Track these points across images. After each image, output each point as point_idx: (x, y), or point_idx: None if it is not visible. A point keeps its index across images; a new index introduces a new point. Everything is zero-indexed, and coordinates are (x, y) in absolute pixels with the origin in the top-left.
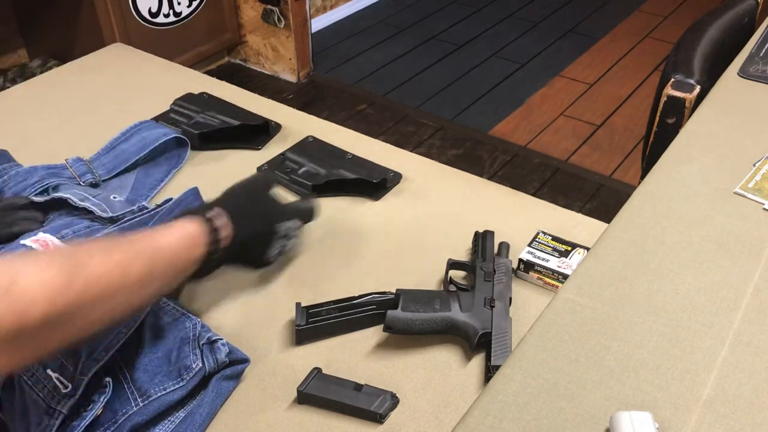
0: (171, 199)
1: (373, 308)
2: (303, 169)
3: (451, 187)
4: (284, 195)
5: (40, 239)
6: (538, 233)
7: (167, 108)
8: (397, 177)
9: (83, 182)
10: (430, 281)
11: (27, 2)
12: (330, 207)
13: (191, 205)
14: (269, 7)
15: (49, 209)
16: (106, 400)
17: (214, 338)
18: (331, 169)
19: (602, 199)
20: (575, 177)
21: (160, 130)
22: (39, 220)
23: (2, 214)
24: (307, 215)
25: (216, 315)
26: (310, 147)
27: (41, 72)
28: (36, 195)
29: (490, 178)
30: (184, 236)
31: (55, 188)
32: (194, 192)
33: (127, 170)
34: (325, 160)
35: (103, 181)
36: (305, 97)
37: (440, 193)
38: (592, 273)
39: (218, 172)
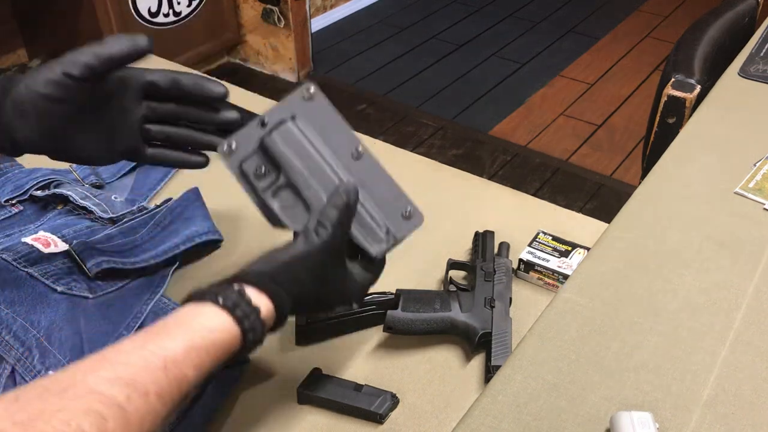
0: (171, 199)
1: (373, 308)
2: (281, 189)
3: (451, 187)
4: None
5: (41, 237)
6: (538, 233)
7: None
8: (417, 219)
9: (86, 183)
10: (430, 281)
11: (27, 2)
12: None
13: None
14: (269, 6)
15: (49, 208)
16: None
17: None
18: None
19: (602, 199)
20: (575, 177)
21: None
22: None
23: None
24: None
25: None
26: (309, 115)
27: None
28: (37, 190)
29: (490, 178)
30: (213, 357)
31: (57, 186)
32: (194, 192)
33: (128, 171)
34: (323, 169)
35: (107, 183)
36: None
37: (440, 193)
38: (592, 273)
39: (218, 171)
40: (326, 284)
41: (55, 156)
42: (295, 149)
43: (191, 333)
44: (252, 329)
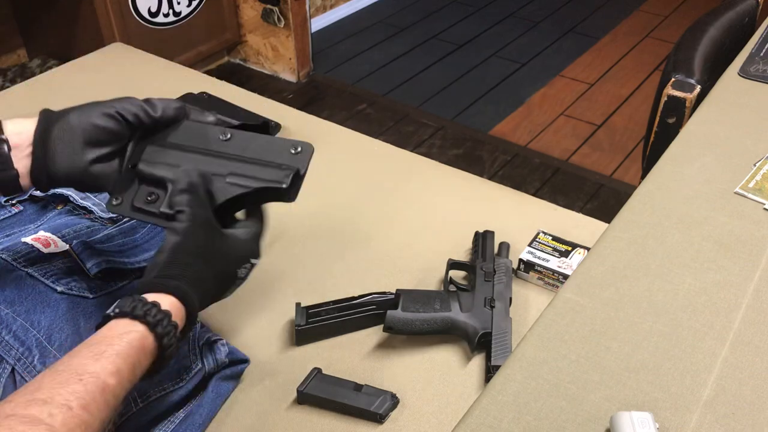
0: None
1: (373, 308)
2: (173, 197)
3: (451, 187)
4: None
5: (41, 237)
6: (538, 233)
7: None
8: (307, 149)
9: None
10: (430, 281)
11: (27, 2)
12: (330, 206)
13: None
14: (269, 6)
15: (49, 208)
16: None
17: (213, 338)
18: (217, 181)
19: (602, 199)
20: (575, 177)
21: None
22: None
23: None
24: (256, 248)
25: (216, 315)
26: (167, 137)
27: (41, 72)
28: (37, 189)
29: (490, 178)
30: (129, 361)
31: None
32: None
33: None
34: (199, 159)
35: None
36: (305, 96)
37: (440, 193)
38: (592, 273)
39: None
40: (214, 256)
41: (80, 187)
42: (166, 161)
43: (96, 346)
44: (158, 322)
